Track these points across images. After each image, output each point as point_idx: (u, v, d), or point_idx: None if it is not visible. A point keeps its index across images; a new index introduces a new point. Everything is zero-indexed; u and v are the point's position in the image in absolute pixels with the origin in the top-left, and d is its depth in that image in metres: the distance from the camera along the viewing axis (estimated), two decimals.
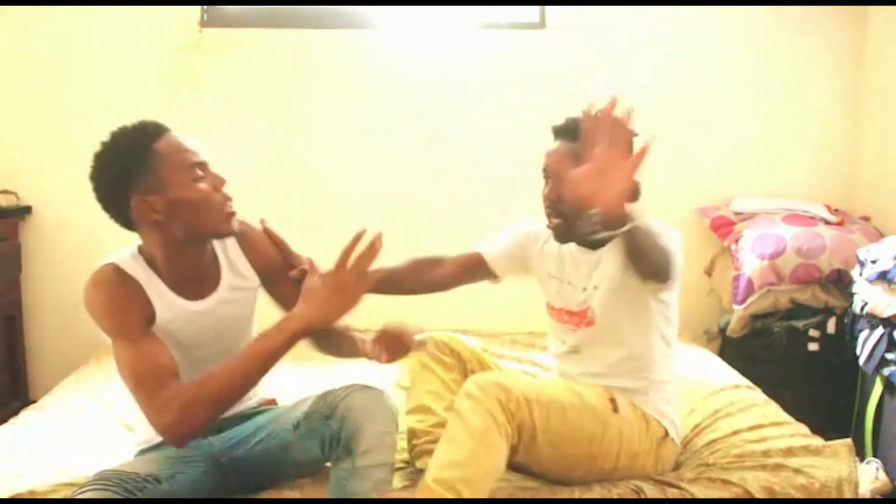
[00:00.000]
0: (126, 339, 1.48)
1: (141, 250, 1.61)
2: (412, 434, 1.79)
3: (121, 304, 1.50)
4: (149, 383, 1.43)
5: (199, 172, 1.53)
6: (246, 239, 1.70)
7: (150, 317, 1.54)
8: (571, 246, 1.83)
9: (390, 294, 1.92)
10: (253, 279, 1.70)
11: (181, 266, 1.58)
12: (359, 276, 1.50)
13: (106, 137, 1.53)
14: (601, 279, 1.75)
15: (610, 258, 1.73)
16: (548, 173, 1.76)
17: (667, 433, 1.76)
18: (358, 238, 1.50)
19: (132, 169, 1.49)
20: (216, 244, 1.66)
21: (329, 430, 1.53)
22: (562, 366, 1.88)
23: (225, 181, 1.57)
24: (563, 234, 1.76)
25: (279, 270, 1.72)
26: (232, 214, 1.58)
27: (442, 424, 1.68)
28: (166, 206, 1.50)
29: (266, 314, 1.71)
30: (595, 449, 1.66)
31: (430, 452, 1.65)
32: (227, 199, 1.57)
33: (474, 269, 1.97)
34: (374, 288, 1.81)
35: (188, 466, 1.55)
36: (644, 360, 1.75)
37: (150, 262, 1.58)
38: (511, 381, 1.58)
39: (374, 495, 1.48)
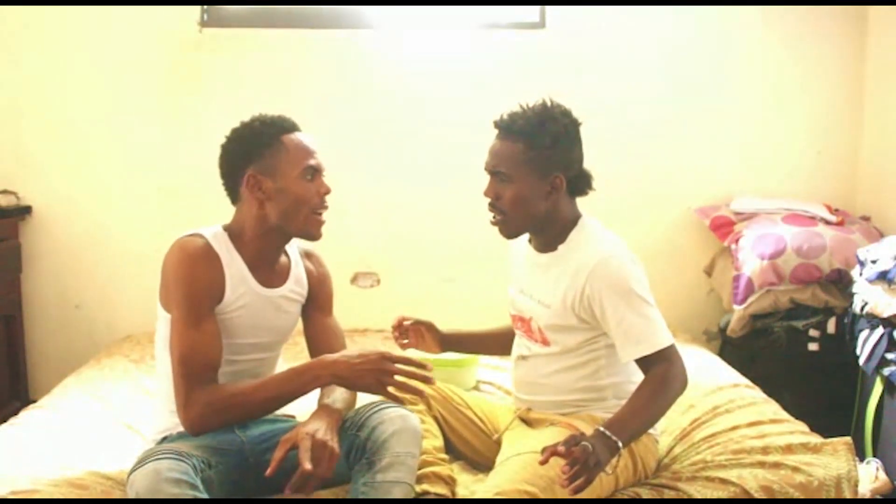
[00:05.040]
0: (190, 319, 1.58)
1: (226, 229, 1.71)
2: None
3: (200, 281, 1.61)
4: (192, 374, 1.55)
5: (311, 174, 1.68)
6: (310, 259, 1.85)
7: (220, 297, 1.64)
8: (526, 247, 1.84)
9: (469, 351, 2.10)
10: (304, 292, 1.81)
11: (263, 247, 1.70)
12: (392, 372, 1.56)
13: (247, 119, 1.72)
14: (551, 299, 1.73)
15: (555, 277, 1.72)
16: (487, 171, 1.75)
17: None
18: (420, 365, 1.60)
19: (257, 148, 1.66)
20: (290, 252, 1.79)
21: (357, 440, 1.57)
22: (515, 371, 1.88)
23: (329, 191, 1.72)
24: (505, 230, 1.77)
25: (318, 299, 1.84)
26: (322, 222, 1.72)
27: (421, 453, 1.68)
28: (273, 190, 1.65)
29: None
30: (600, 486, 1.63)
31: (419, 480, 1.65)
32: (324, 207, 1.71)
33: None
34: (450, 346, 1.97)
35: (224, 457, 1.59)
36: (590, 367, 1.75)
37: (235, 239, 1.69)
38: (513, 486, 1.52)
39: None
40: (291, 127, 1.72)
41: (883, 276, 2.34)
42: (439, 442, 1.81)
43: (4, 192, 2.96)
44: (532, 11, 3.07)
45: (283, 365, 1.77)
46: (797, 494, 1.67)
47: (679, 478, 1.72)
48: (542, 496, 1.50)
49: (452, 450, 1.87)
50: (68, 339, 3.06)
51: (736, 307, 2.80)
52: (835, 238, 2.73)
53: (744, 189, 3.08)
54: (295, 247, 1.82)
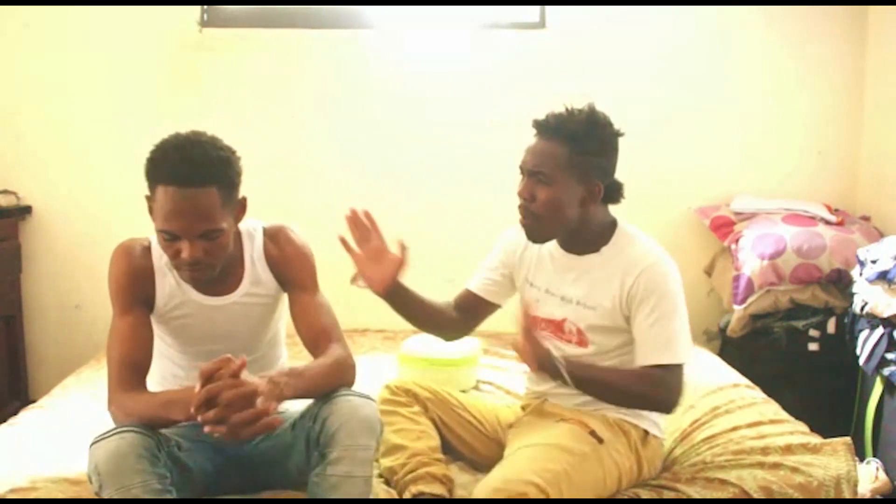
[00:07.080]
0: (114, 313, 1.64)
1: None
2: (391, 472, 1.74)
3: (123, 277, 1.64)
4: (114, 369, 1.57)
5: (168, 237, 1.54)
6: (275, 242, 1.73)
7: (150, 300, 1.66)
8: (553, 249, 1.80)
9: (405, 310, 1.89)
10: (271, 288, 1.74)
11: None
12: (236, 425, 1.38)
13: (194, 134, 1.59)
14: (597, 301, 1.70)
15: (603, 278, 1.70)
16: (524, 170, 1.72)
17: (647, 432, 1.74)
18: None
19: (147, 180, 1.56)
20: (244, 251, 1.71)
21: (312, 432, 1.53)
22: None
23: (188, 260, 1.54)
24: (535, 234, 1.73)
25: (290, 277, 1.74)
26: (190, 275, 1.58)
27: (416, 454, 1.70)
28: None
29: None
30: (604, 486, 1.66)
31: (414, 481, 1.66)
32: (183, 269, 1.57)
33: (473, 306, 1.93)
34: (395, 292, 1.82)
35: (199, 446, 1.59)
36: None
37: None
38: (519, 476, 1.53)
39: None
40: (178, 179, 1.51)
41: (883, 276, 2.34)
42: (436, 442, 1.80)
43: (4, 192, 2.96)
44: (532, 11, 3.07)
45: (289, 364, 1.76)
46: (797, 495, 1.67)
47: (679, 479, 1.73)
48: (547, 489, 1.50)
49: (451, 451, 1.87)
50: (68, 339, 3.06)
51: (736, 307, 2.79)
52: (835, 238, 2.73)
53: (744, 189, 3.08)
54: (259, 237, 1.73)
